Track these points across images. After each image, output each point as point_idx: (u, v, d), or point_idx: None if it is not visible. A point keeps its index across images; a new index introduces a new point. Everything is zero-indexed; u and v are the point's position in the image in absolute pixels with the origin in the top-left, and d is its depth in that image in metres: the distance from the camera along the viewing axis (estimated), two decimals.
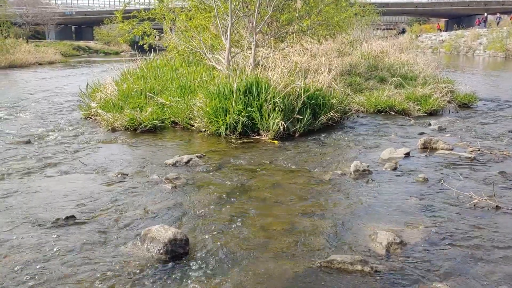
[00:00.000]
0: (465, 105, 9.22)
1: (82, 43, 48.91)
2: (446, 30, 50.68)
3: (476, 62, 26.71)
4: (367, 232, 3.33)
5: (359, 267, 2.80)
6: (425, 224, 3.50)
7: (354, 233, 3.35)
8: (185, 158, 5.11)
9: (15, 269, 2.78)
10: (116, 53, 44.61)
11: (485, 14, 39.56)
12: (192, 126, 6.86)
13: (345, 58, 12.88)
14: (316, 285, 2.65)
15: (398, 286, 2.65)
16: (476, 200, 3.91)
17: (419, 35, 45.18)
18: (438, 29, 54.36)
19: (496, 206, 3.82)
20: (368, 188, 4.34)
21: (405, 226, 3.46)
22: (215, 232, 3.31)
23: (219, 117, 6.39)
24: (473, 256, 3.00)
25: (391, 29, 47.75)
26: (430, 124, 7.42)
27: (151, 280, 2.68)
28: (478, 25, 41.39)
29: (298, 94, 6.67)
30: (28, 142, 6.11)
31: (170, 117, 7.13)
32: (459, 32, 38.38)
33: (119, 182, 4.45)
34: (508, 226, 3.48)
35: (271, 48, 9.56)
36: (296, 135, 6.44)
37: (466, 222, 3.54)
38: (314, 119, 6.80)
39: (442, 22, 63.36)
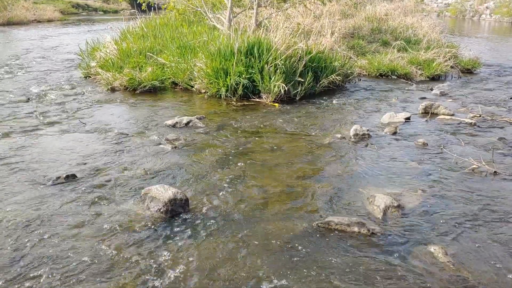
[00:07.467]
0: (468, 71, 9.13)
1: (81, 0, 47.86)
2: None
3: (482, 27, 26.23)
4: (365, 195, 3.36)
5: (356, 229, 2.84)
6: (423, 188, 3.52)
7: (352, 196, 3.38)
8: (185, 119, 5.09)
9: (17, 226, 2.82)
10: (116, 12, 43.62)
11: None
12: (192, 87, 6.80)
13: (349, 20, 12.61)
14: (313, 245, 2.70)
15: (394, 247, 2.70)
16: (474, 166, 3.93)
17: None
18: None
19: (494, 171, 3.85)
20: (367, 152, 4.35)
21: (403, 190, 3.49)
22: (214, 193, 3.34)
23: (219, 78, 6.32)
24: (470, 219, 3.04)
25: None
26: (432, 89, 7.36)
27: (151, 238, 2.72)
28: None
29: (300, 57, 6.58)
30: (28, 100, 6.07)
31: (170, 78, 7.05)
32: None
33: (119, 142, 4.46)
34: (505, 191, 3.52)
35: (273, 8, 9.36)
36: (297, 98, 6.40)
37: (464, 187, 3.57)
38: (315, 82, 6.73)
39: None
